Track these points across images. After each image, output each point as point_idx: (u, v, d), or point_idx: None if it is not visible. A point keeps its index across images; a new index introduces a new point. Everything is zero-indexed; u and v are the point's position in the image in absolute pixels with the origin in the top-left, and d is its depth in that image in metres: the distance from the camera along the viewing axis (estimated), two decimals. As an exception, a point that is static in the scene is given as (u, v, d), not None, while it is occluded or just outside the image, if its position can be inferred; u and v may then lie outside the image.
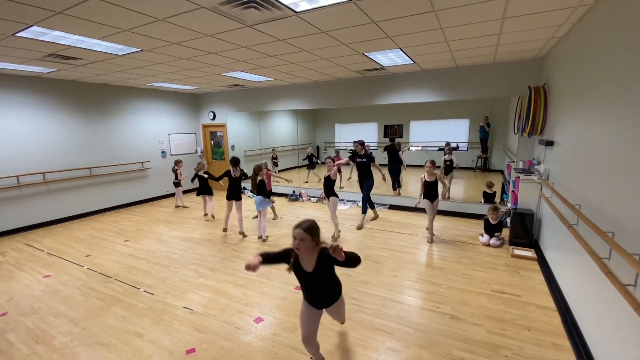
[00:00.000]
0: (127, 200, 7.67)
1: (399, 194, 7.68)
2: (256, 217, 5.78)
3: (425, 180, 4.80)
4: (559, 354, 2.50)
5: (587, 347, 2.40)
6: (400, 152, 7.56)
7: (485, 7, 2.92)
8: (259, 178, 5.07)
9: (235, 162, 5.37)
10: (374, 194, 7.35)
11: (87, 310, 3.31)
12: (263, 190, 5.08)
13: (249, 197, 8.58)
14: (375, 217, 6.24)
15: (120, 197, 7.54)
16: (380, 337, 2.77)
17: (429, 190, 4.80)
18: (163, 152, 8.45)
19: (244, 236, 5.33)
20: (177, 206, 7.51)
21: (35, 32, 3.35)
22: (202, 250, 4.76)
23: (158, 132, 8.32)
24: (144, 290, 3.68)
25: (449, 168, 7.14)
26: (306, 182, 9.28)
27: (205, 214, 6.69)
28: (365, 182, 5.81)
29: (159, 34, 3.54)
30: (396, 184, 7.59)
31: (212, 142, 9.57)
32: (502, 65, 5.41)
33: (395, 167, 7.45)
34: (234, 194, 5.36)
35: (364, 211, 5.85)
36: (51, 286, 3.83)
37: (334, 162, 4.92)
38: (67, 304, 3.44)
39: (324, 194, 5.19)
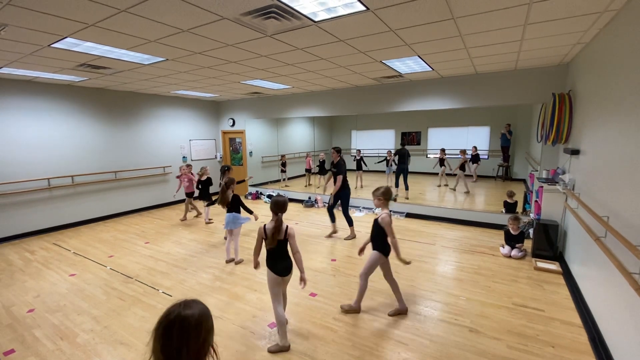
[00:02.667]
0: (148, 204, 7.93)
1: (407, 198, 7.95)
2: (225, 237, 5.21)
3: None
4: (586, 374, 2.38)
5: (617, 367, 2.27)
6: (408, 158, 8.20)
7: (506, 13, 2.87)
8: (230, 192, 4.49)
9: (223, 170, 5.39)
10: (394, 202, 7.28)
11: (109, 309, 3.42)
12: (236, 207, 4.53)
13: (265, 202, 8.67)
14: (334, 232, 5.66)
15: (142, 200, 7.81)
16: (395, 347, 2.72)
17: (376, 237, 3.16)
18: (184, 157, 8.70)
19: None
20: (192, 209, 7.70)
21: (69, 43, 3.56)
22: (219, 254, 4.84)
23: (180, 138, 8.59)
24: (163, 292, 3.77)
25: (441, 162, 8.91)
26: (318, 187, 9.27)
27: (210, 220, 6.74)
28: (341, 193, 5.37)
29: (183, 44, 3.68)
30: (403, 185, 8.15)
31: (231, 148, 9.79)
32: (524, 72, 5.28)
33: (402, 168, 8.16)
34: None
35: (350, 223, 5.48)
36: (76, 285, 3.99)
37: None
38: (90, 302, 3.57)
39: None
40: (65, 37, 3.37)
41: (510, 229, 4.67)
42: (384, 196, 3.05)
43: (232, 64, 4.69)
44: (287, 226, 2.63)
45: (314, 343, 2.79)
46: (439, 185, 9.55)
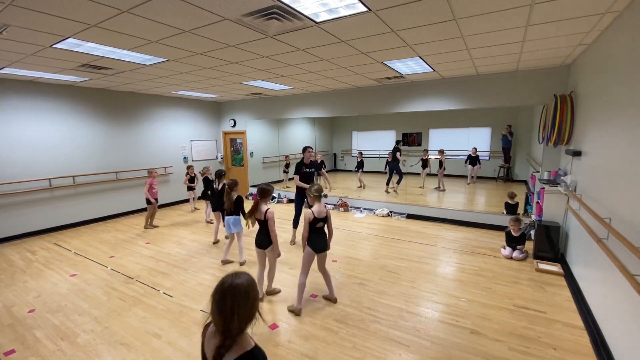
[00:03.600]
0: (149, 204, 7.93)
1: (396, 192, 8.37)
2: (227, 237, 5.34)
3: (313, 217, 3.15)
4: (588, 376, 2.36)
5: (619, 370, 2.26)
6: (397, 154, 8.46)
7: (508, 14, 2.87)
8: (234, 194, 4.34)
9: (218, 174, 5.36)
10: (391, 202, 7.28)
11: (109, 309, 3.42)
12: (239, 209, 4.40)
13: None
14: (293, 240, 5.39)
15: (143, 200, 7.75)
16: (395, 349, 2.71)
17: (314, 234, 3.22)
18: (185, 157, 8.71)
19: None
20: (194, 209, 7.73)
21: (71, 43, 3.57)
22: (220, 255, 4.83)
23: (181, 139, 8.60)
24: (164, 292, 3.76)
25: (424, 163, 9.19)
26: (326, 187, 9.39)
27: (211, 220, 6.73)
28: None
29: (185, 45, 3.69)
30: (394, 181, 8.42)
31: (232, 148, 9.79)
32: (525, 73, 5.27)
33: (393, 165, 8.42)
34: (219, 206, 5.33)
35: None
36: (77, 285, 3.99)
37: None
38: (91, 302, 3.57)
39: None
40: (67, 38, 3.38)
41: (511, 230, 4.66)
42: (317, 192, 3.26)
43: (234, 65, 4.70)
44: (267, 209, 3.29)
45: (315, 344, 2.78)
46: (421, 187, 9.43)
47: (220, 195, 5.16)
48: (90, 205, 6.80)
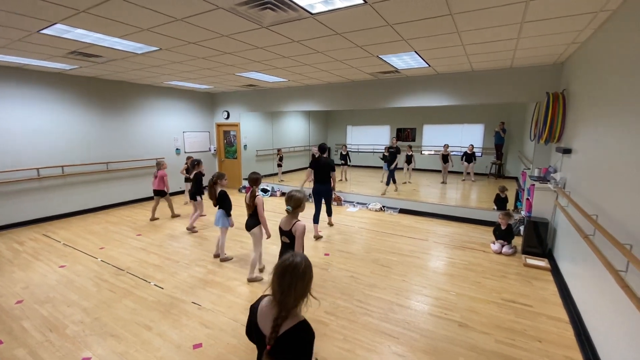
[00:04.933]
0: (141, 196, 7.85)
1: (396, 189, 8.21)
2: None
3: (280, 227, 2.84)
4: (571, 368, 2.43)
5: (601, 362, 2.33)
6: (397, 155, 8.29)
7: (503, 10, 2.87)
8: (218, 188, 4.31)
9: (192, 164, 6.03)
10: (384, 196, 7.32)
11: (99, 301, 3.39)
12: (224, 203, 4.32)
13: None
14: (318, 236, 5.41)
15: (134, 192, 7.72)
16: (385, 341, 2.75)
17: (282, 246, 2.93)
18: (177, 149, 8.61)
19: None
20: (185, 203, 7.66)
21: (59, 29, 3.47)
22: (212, 247, 4.82)
23: (173, 130, 8.49)
24: (154, 284, 3.75)
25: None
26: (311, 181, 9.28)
27: (203, 214, 6.69)
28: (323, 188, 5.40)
29: (177, 34, 3.61)
30: (391, 180, 8.24)
31: (225, 141, 9.70)
32: (519, 70, 5.30)
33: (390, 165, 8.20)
34: (193, 194, 5.92)
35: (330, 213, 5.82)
36: (66, 276, 3.95)
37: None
38: (80, 294, 3.53)
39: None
40: (55, 24, 3.28)
41: (500, 223, 4.73)
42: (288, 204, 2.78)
43: (227, 55, 4.63)
44: (256, 196, 3.67)
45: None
46: (405, 182, 9.45)
47: (194, 183, 5.90)
48: (80, 196, 6.70)
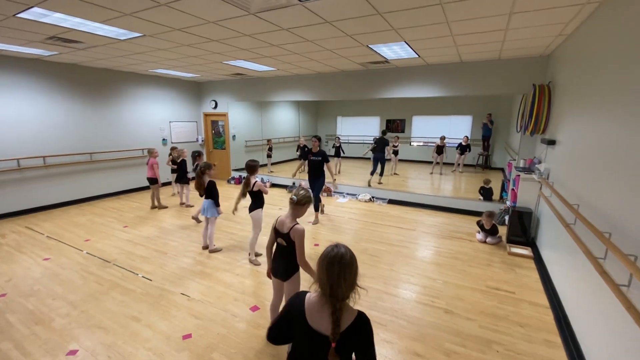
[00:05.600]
0: (127, 187, 7.69)
1: (379, 182, 8.10)
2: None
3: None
4: (550, 350, 2.53)
5: (578, 344, 2.43)
6: (387, 147, 8.17)
7: (492, 1, 2.87)
8: (206, 178, 4.30)
9: (194, 155, 6.29)
10: (373, 187, 7.38)
11: (86, 293, 3.34)
12: (212, 193, 4.32)
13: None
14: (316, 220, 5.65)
15: (120, 183, 7.56)
16: (374, 328, 2.78)
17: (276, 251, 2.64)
18: (164, 139, 8.43)
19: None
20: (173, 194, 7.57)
21: (36, 13, 3.31)
22: (201, 239, 4.78)
23: (159, 120, 8.30)
24: (142, 276, 3.71)
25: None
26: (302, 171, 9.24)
27: (182, 203, 6.69)
28: (317, 181, 5.52)
29: (161, 19, 3.50)
30: (379, 172, 8.14)
31: (213, 131, 9.54)
32: (507, 62, 5.35)
33: (379, 156, 8.03)
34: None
35: (317, 209, 5.67)
36: (50, 269, 3.87)
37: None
38: (66, 287, 3.47)
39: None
40: (32, 7, 3.13)
41: (484, 223, 4.72)
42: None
43: (214, 43, 4.52)
44: (255, 182, 3.84)
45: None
46: (392, 174, 9.43)
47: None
48: (63, 187, 6.52)
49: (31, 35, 4.18)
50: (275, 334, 1.35)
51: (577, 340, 2.47)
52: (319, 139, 5.44)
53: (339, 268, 1.20)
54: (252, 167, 3.89)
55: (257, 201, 3.94)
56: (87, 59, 5.79)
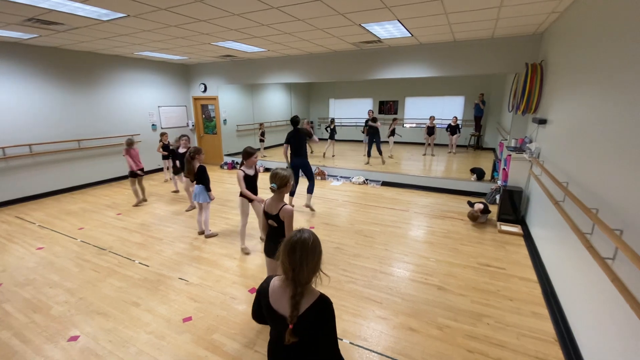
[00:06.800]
0: (118, 174, 7.57)
1: (383, 162, 8.29)
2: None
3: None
4: (538, 322, 2.65)
5: (564, 315, 2.55)
6: (376, 124, 8.34)
7: (487, -23, 2.82)
8: (196, 163, 4.20)
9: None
10: (367, 170, 7.41)
11: (83, 281, 3.35)
12: (203, 178, 4.25)
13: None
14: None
15: (111, 170, 7.44)
16: (370, 306, 2.89)
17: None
18: (153, 125, 8.26)
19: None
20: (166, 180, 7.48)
21: (12, -7, 3.15)
22: (196, 224, 4.79)
23: (148, 104, 8.10)
24: (139, 262, 3.72)
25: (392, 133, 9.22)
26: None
27: (176, 190, 6.64)
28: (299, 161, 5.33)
29: (146, -1, 3.35)
30: (370, 153, 8.48)
31: (204, 115, 9.37)
32: (500, 41, 5.31)
33: (372, 138, 8.43)
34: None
35: (311, 190, 5.41)
36: (45, 258, 3.85)
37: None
38: (62, 275, 3.47)
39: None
40: (6, -14, 2.97)
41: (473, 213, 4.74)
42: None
43: (202, 23, 4.37)
44: (255, 167, 3.84)
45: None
46: (390, 156, 9.38)
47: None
48: (52, 175, 6.40)
49: (8, 17, 3.98)
50: (256, 314, 1.42)
51: (563, 312, 2.59)
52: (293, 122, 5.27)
53: (301, 253, 1.23)
54: (248, 154, 3.68)
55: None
56: (69, 41, 5.55)
